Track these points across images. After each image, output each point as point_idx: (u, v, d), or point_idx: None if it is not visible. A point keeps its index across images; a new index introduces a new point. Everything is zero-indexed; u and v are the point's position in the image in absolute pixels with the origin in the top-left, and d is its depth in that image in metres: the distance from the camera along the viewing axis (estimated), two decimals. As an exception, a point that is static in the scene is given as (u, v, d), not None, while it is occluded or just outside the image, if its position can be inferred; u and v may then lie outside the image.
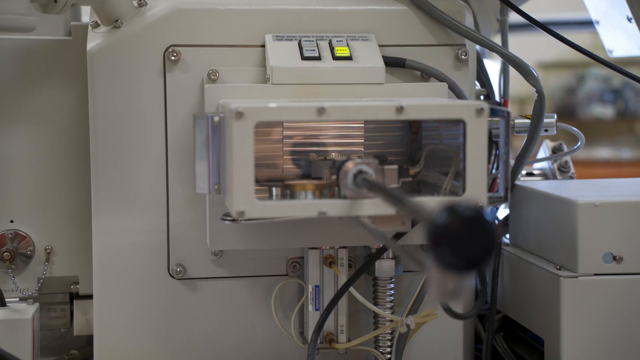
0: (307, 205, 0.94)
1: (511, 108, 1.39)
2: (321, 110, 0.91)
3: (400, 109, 0.92)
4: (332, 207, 0.93)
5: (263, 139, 1.08)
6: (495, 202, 1.00)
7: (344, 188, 0.93)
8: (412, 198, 0.78)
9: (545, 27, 1.22)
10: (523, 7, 1.45)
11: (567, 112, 4.54)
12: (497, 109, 0.94)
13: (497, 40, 1.43)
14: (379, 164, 0.93)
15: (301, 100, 1.01)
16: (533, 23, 1.22)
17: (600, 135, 4.38)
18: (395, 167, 0.95)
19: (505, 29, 1.38)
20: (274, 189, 0.98)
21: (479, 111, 0.93)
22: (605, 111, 4.49)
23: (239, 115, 0.90)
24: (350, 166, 0.92)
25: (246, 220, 0.93)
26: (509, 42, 1.38)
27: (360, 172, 0.92)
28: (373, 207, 0.92)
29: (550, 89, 4.53)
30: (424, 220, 0.61)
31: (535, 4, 1.48)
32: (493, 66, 1.40)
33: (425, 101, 0.96)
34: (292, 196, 0.96)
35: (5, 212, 1.20)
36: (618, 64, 1.39)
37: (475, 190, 0.93)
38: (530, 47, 2.71)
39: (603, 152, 4.33)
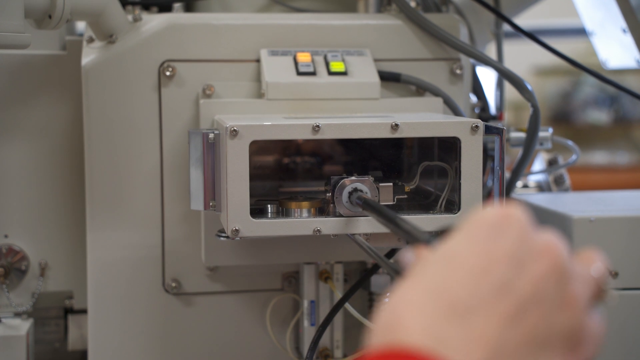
0: (302, 223, 0.94)
1: (507, 115, 1.40)
2: (316, 129, 0.91)
3: (395, 127, 0.92)
4: (327, 225, 0.93)
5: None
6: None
7: (339, 206, 0.93)
8: (406, 217, 0.78)
9: (537, 38, 1.22)
10: (520, 15, 1.45)
11: (562, 118, 4.54)
12: (492, 127, 0.94)
13: (492, 49, 1.43)
14: (374, 181, 0.94)
15: (296, 117, 1.01)
16: (526, 35, 1.22)
17: (596, 141, 4.39)
18: (390, 184, 0.95)
19: (500, 41, 1.38)
20: (269, 206, 0.98)
21: (474, 128, 0.93)
22: (601, 117, 4.50)
23: (234, 133, 0.90)
24: (346, 184, 0.92)
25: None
26: (504, 48, 1.38)
27: (355, 190, 0.92)
28: (368, 225, 0.92)
29: (546, 95, 4.54)
30: (417, 243, 0.61)
31: (533, 11, 1.49)
32: (489, 75, 1.40)
33: (420, 118, 0.96)
34: (287, 214, 0.96)
35: (-1, 226, 1.20)
36: (612, 71, 1.40)
37: (471, 208, 0.93)
38: (526, 53, 2.71)
39: (599, 158, 4.33)
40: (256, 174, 1.02)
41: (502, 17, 1.29)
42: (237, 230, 0.91)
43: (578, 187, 1.44)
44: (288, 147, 1.13)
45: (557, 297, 0.50)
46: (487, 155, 1.15)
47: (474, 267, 0.49)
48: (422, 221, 0.92)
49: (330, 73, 1.09)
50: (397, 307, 0.49)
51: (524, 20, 1.41)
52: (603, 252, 0.55)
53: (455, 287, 0.49)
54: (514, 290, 0.49)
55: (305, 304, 1.10)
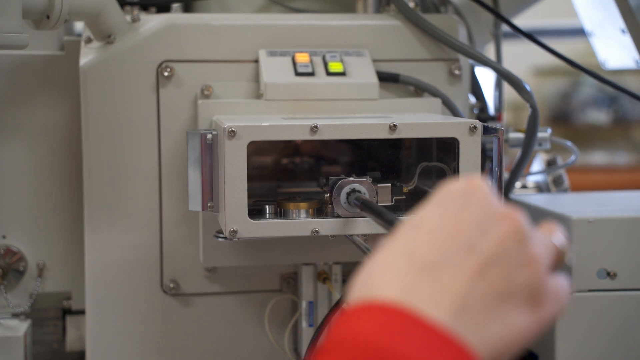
0: (300, 224, 0.93)
1: (506, 115, 1.40)
2: (314, 129, 0.91)
3: (393, 128, 0.92)
4: (325, 226, 0.93)
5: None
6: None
7: (337, 207, 0.93)
8: (404, 218, 0.78)
9: (536, 39, 1.22)
10: (519, 15, 1.45)
11: (562, 118, 4.54)
12: (490, 128, 0.94)
13: (491, 49, 1.43)
14: (372, 182, 0.93)
15: (295, 117, 1.01)
16: (524, 36, 1.22)
17: (595, 141, 4.39)
18: (388, 185, 0.95)
19: (499, 42, 1.38)
20: (267, 207, 0.97)
21: (472, 129, 0.93)
22: (600, 117, 4.50)
23: (232, 134, 0.89)
24: (344, 185, 0.92)
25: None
26: (503, 48, 1.38)
27: (353, 190, 0.92)
28: (366, 225, 0.92)
29: (545, 95, 4.53)
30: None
31: (532, 11, 1.49)
32: (488, 76, 1.40)
33: (418, 119, 0.96)
34: (285, 215, 0.96)
35: (-3, 227, 1.20)
36: (611, 72, 1.40)
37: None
38: (526, 54, 2.71)
39: (598, 158, 4.33)
40: (254, 175, 1.02)
41: (501, 18, 1.28)
42: (235, 231, 0.91)
43: (577, 187, 1.44)
44: (286, 148, 1.13)
45: (518, 256, 0.55)
46: (486, 155, 1.15)
47: (443, 231, 0.55)
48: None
49: (329, 73, 1.09)
50: (372, 268, 0.55)
51: (523, 20, 1.40)
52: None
53: (425, 249, 0.54)
54: (478, 250, 0.54)
55: (304, 304, 1.10)
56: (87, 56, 1.09)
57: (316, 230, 0.93)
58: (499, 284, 0.54)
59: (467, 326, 0.52)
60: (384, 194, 0.95)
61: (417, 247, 0.54)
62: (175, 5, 1.22)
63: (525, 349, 1.15)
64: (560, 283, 0.57)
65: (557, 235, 0.60)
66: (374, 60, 1.12)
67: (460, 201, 0.56)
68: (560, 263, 0.59)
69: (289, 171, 1.13)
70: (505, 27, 1.39)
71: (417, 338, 0.50)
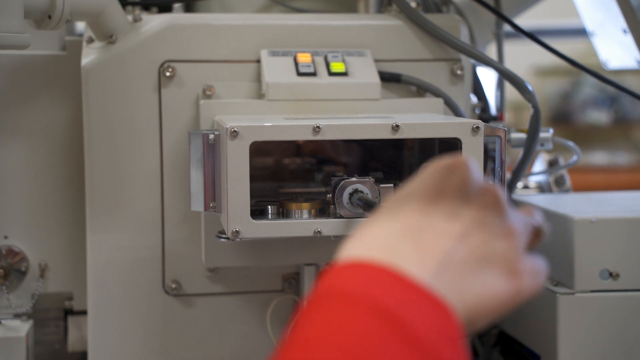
0: (302, 224, 0.93)
1: (507, 115, 1.40)
2: (317, 129, 0.91)
3: (396, 128, 0.92)
4: (328, 226, 0.93)
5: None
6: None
7: (340, 207, 0.92)
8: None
9: (538, 39, 1.22)
10: (521, 15, 1.45)
11: (562, 118, 4.54)
12: (493, 128, 0.94)
13: (493, 49, 1.43)
14: (375, 182, 0.93)
15: (297, 118, 1.01)
16: (527, 36, 1.22)
17: (596, 141, 4.39)
18: (391, 185, 0.95)
19: (500, 42, 1.38)
20: (269, 207, 0.97)
21: (475, 129, 0.93)
22: (600, 117, 4.49)
23: (234, 134, 0.89)
24: (346, 185, 0.92)
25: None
26: (504, 48, 1.38)
27: (356, 191, 0.92)
28: (369, 226, 0.92)
29: (545, 95, 4.53)
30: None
31: (533, 11, 1.49)
32: (489, 75, 1.40)
33: (421, 119, 0.96)
34: (288, 215, 0.96)
35: (-1, 228, 1.19)
36: (611, 72, 1.40)
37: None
38: (526, 54, 2.71)
39: (599, 158, 4.33)
40: (256, 175, 1.02)
41: (503, 18, 1.28)
42: (237, 232, 0.91)
43: (578, 187, 1.44)
44: (288, 148, 1.13)
45: (497, 227, 0.60)
46: (488, 156, 1.15)
47: (427, 199, 0.59)
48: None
49: (331, 74, 1.08)
50: (363, 230, 0.59)
51: (524, 20, 1.40)
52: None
53: (410, 214, 0.59)
54: (460, 217, 0.59)
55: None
56: (88, 56, 1.09)
57: (319, 231, 0.93)
58: (478, 249, 0.58)
59: (446, 284, 0.56)
60: (387, 195, 0.95)
61: (402, 213, 0.59)
62: (177, 5, 1.22)
63: (528, 353, 1.15)
64: (537, 262, 0.62)
65: (534, 216, 0.64)
66: (376, 60, 1.12)
67: (444, 173, 0.60)
68: (536, 242, 0.64)
69: (291, 171, 1.13)
70: (505, 27, 1.39)
71: (398, 292, 0.54)
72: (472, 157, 0.62)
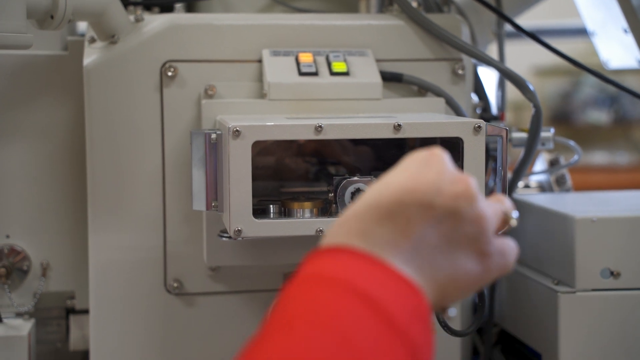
0: (304, 223, 0.94)
1: (507, 115, 1.40)
2: (319, 129, 0.91)
3: (398, 127, 0.92)
4: (330, 225, 0.93)
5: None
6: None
7: (342, 206, 0.93)
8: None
9: (540, 39, 1.22)
10: (522, 15, 1.45)
11: (562, 118, 4.54)
12: (495, 128, 0.94)
13: (494, 48, 1.43)
14: (377, 181, 0.93)
15: (299, 117, 1.01)
16: (528, 36, 1.23)
17: (596, 141, 4.39)
18: (392, 184, 0.95)
19: (501, 41, 1.38)
20: (271, 207, 0.98)
21: (477, 129, 0.93)
22: (601, 117, 4.50)
23: (237, 134, 0.90)
24: (348, 184, 0.92)
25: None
26: (505, 48, 1.38)
27: (358, 190, 0.92)
28: (371, 225, 0.92)
29: (546, 95, 4.53)
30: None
31: (534, 11, 1.49)
32: (490, 75, 1.40)
33: (422, 119, 0.96)
34: (289, 214, 0.96)
35: (0, 227, 1.19)
36: (612, 71, 1.40)
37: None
38: (526, 54, 2.71)
39: (599, 158, 4.33)
40: (258, 174, 1.02)
41: (504, 17, 1.29)
42: (239, 231, 0.91)
43: (578, 187, 1.44)
44: (290, 147, 1.13)
45: (468, 213, 0.64)
46: (489, 155, 1.15)
47: (403, 187, 0.64)
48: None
49: (332, 73, 1.09)
50: (343, 217, 0.65)
51: (524, 20, 1.41)
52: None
53: (387, 200, 0.63)
54: (433, 205, 0.63)
55: (307, 304, 1.10)
56: (90, 56, 1.09)
57: (320, 230, 0.93)
58: (449, 233, 0.63)
59: (418, 266, 0.62)
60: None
61: (379, 200, 0.63)
62: (178, 5, 1.22)
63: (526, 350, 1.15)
64: (506, 242, 0.67)
65: (503, 202, 0.70)
66: (377, 60, 1.12)
67: (422, 165, 0.65)
68: (505, 225, 0.69)
69: (293, 171, 1.13)
70: (505, 27, 1.39)
71: (374, 276, 0.60)
72: (444, 151, 0.67)
